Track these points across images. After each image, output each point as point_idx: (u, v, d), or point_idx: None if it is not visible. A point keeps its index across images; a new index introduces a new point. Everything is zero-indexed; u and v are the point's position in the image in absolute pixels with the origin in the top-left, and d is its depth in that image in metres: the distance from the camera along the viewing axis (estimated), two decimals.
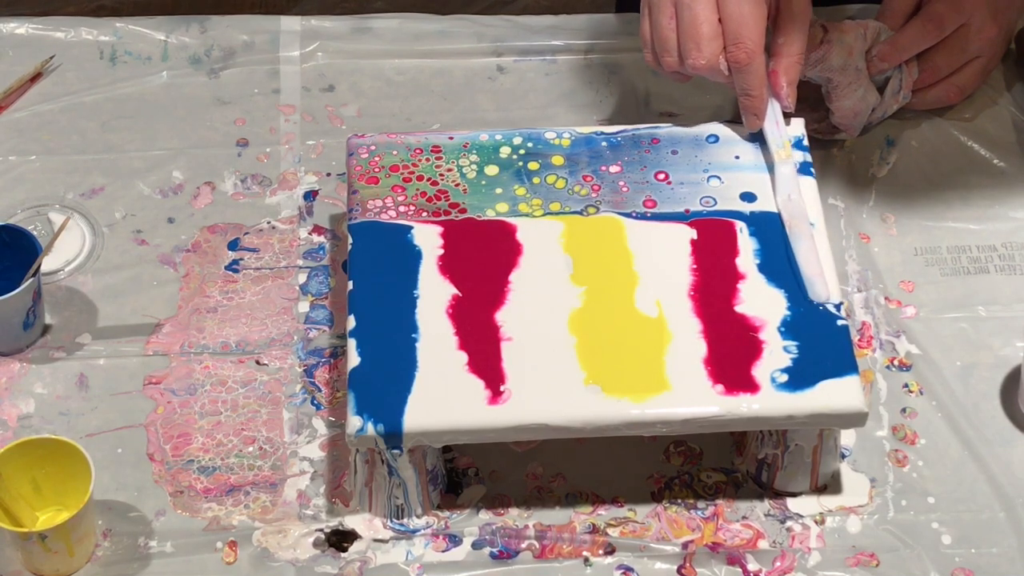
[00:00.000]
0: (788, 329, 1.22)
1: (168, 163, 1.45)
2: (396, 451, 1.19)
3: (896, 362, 1.32)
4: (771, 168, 1.31)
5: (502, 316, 1.23)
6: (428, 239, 1.27)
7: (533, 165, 1.33)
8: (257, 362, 1.32)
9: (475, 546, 1.23)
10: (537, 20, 1.55)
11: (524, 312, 1.23)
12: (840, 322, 1.22)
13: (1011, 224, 1.40)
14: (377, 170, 1.32)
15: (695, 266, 1.25)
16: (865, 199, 1.42)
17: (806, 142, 1.34)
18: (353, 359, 1.21)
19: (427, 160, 1.33)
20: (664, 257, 1.26)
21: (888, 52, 1.40)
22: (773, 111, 1.33)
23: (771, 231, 1.27)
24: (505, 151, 1.33)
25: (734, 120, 1.35)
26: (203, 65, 1.52)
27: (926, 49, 1.42)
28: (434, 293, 1.24)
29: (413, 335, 1.22)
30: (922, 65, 1.42)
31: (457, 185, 1.31)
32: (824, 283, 1.23)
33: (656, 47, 1.32)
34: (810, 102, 1.43)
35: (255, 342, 1.33)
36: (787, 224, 1.27)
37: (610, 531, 1.23)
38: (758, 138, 1.33)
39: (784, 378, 1.19)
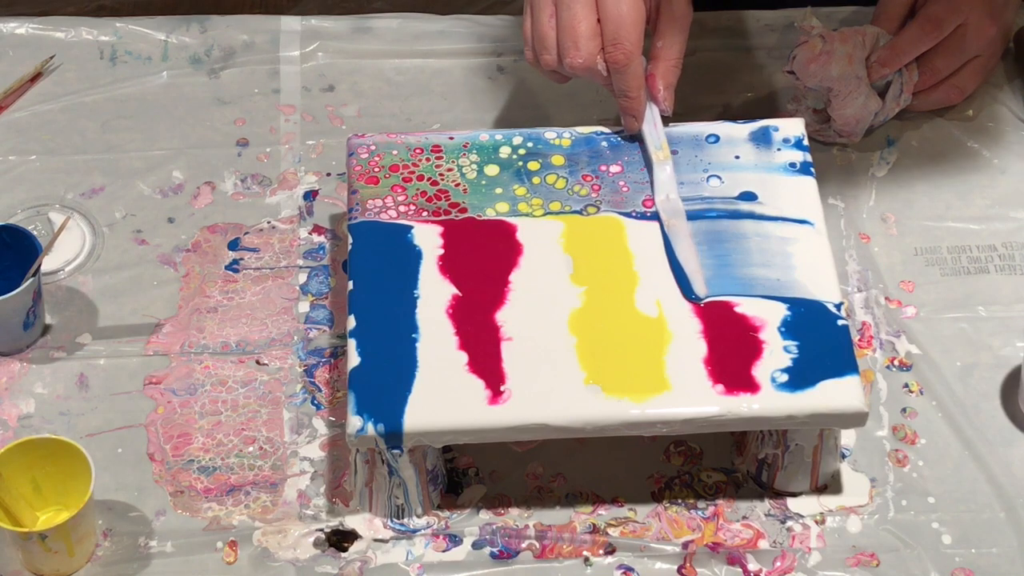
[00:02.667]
0: (788, 329, 1.22)
1: (168, 163, 1.45)
2: (396, 451, 1.19)
3: (896, 362, 1.32)
4: (649, 169, 1.31)
5: (502, 316, 1.23)
6: (428, 239, 1.27)
7: (533, 165, 1.33)
8: (257, 362, 1.32)
9: (475, 546, 1.23)
10: None
11: (524, 312, 1.23)
12: (840, 322, 1.22)
13: (1011, 224, 1.40)
14: (377, 170, 1.32)
15: None
16: (865, 199, 1.42)
17: (806, 142, 1.34)
18: (353, 359, 1.21)
19: (427, 160, 1.33)
20: (664, 257, 1.26)
21: (888, 57, 1.40)
22: (652, 113, 1.33)
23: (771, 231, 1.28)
24: (505, 151, 1.33)
25: (734, 120, 1.35)
26: (203, 65, 1.52)
27: (926, 51, 1.42)
28: (434, 293, 1.24)
29: (413, 335, 1.22)
30: (922, 67, 1.42)
31: (457, 185, 1.31)
32: (702, 281, 1.23)
33: (535, 45, 1.32)
34: (811, 105, 1.43)
35: (255, 342, 1.33)
36: (666, 223, 1.27)
37: (610, 531, 1.23)
38: (758, 138, 1.33)
39: (784, 378, 1.19)
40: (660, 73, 1.33)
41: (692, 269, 1.25)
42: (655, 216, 1.29)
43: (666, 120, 1.34)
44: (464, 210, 1.29)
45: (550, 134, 1.34)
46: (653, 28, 1.33)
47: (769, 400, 1.18)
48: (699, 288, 1.24)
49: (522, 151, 1.33)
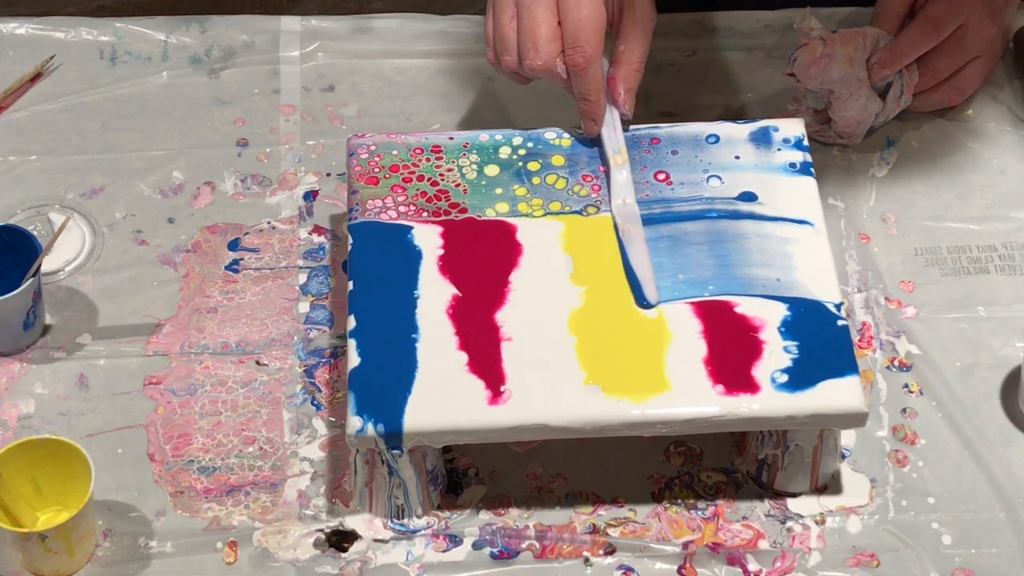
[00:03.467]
0: (788, 329, 1.22)
1: (168, 163, 1.45)
2: (396, 451, 1.19)
3: (896, 362, 1.32)
4: (607, 173, 1.31)
5: (502, 316, 1.23)
6: (428, 239, 1.27)
7: (533, 165, 1.33)
8: (257, 362, 1.32)
9: (475, 546, 1.23)
10: None
11: (524, 312, 1.23)
12: (840, 322, 1.22)
13: (1011, 224, 1.40)
14: (377, 170, 1.32)
15: None
16: (865, 199, 1.42)
17: (806, 142, 1.34)
18: (353, 359, 1.21)
19: (427, 160, 1.33)
20: (663, 257, 1.26)
21: (888, 58, 1.40)
22: (612, 117, 1.33)
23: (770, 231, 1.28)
24: (505, 151, 1.33)
25: (734, 120, 1.35)
26: (203, 65, 1.52)
27: (926, 52, 1.42)
28: (434, 293, 1.24)
29: (413, 335, 1.22)
30: (922, 68, 1.42)
31: (457, 185, 1.31)
32: (653, 287, 1.23)
33: (496, 46, 1.32)
34: (812, 106, 1.43)
35: (255, 342, 1.33)
36: (620, 228, 1.27)
37: (610, 531, 1.23)
38: (758, 138, 1.33)
39: (784, 378, 1.19)
40: (621, 77, 1.32)
41: (644, 275, 1.24)
42: (654, 217, 1.29)
43: (626, 124, 1.33)
44: (464, 210, 1.29)
45: (550, 134, 1.34)
46: (616, 31, 1.32)
47: (769, 400, 1.18)
48: (650, 294, 1.23)
49: (522, 151, 1.33)
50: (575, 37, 1.28)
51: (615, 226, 1.28)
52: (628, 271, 1.25)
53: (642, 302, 1.23)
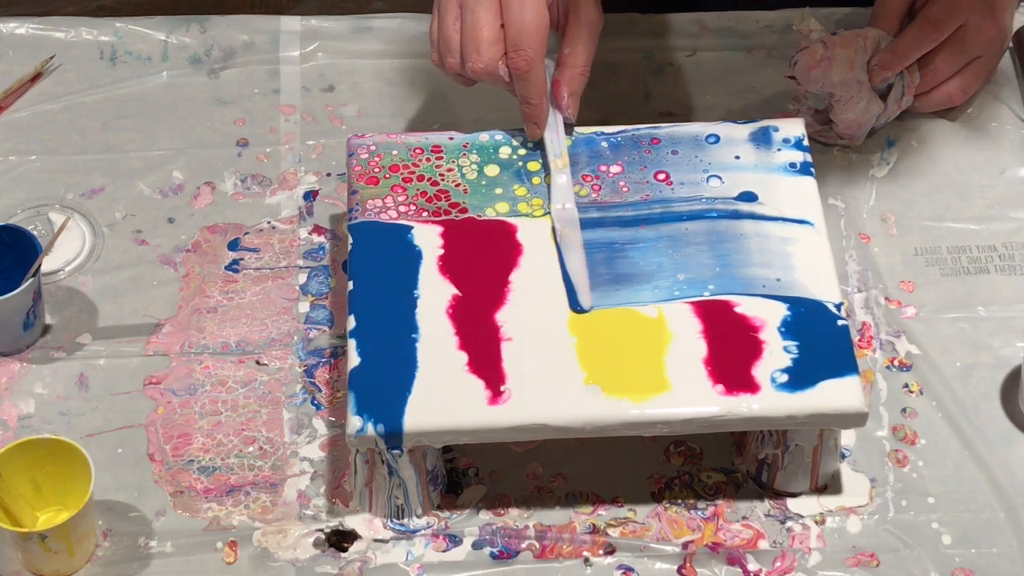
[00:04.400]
0: (788, 329, 1.22)
1: (168, 163, 1.45)
2: (396, 451, 1.19)
3: (896, 362, 1.32)
4: (549, 177, 1.30)
5: (502, 316, 1.23)
6: (428, 239, 1.27)
7: (533, 165, 1.33)
8: (257, 362, 1.32)
9: (475, 546, 1.23)
10: None
11: (524, 312, 1.23)
12: (840, 322, 1.22)
13: (1011, 224, 1.40)
14: (377, 170, 1.32)
15: None
16: (865, 199, 1.42)
17: (806, 142, 1.34)
18: (353, 359, 1.21)
19: (427, 160, 1.33)
20: (664, 257, 1.26)
21: (888, 60, 1.40)
22: (556, 120, 1.32)
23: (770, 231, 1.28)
24: (505, 151, 1.33)
25: (734, 120, 1.35)
26: (203, 65, 1.52)
27: (927, 52, 1.42)
28: (434, 293, 1.24)
29: (413, 335, 1.22)
30: (924, 69, 1.42)
31: (457, 185, 1.31)
32: (588, 292, 1.23)
33: (440, 47, 1.31)
34: (813, 106, 1.43)
35: (255, 342, 1.33)
36: (559, 233, 1.26)
37: (610, 531, 1.23)
38: (758, 138, 1.33)
39: (784, 378, 1.19)
40: (565, 80, 1.31)
41: (579, 280, 1.24)
42: (654, 217, 1.29)
43: (569, 128, 1.33)
44: (464, 210, 1.29)
45: None
46: (561, 34, 1.32)
47: (769, 400, 1.18)
48: (584, 300, 1.23)
49: (522, 151, 1.33)
50: (517, 40, 1.27)
51: (553, 230, 1.27)
52: (564, 276, 1.24)
53: (576, 307, 1.23)
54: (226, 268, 1.38)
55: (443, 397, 1.18)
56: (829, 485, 1.26)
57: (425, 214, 1.29)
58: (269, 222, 1.41)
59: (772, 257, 1.26)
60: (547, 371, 1.20)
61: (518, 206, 1.30)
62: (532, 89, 1.29)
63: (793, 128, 1.34)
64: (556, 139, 1.32)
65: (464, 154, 1.33)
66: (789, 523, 1.24)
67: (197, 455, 1.27)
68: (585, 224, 1.28)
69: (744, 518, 1.24)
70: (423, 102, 1.49)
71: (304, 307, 1.35)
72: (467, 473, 1.26)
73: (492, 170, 1.32)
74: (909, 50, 1.40)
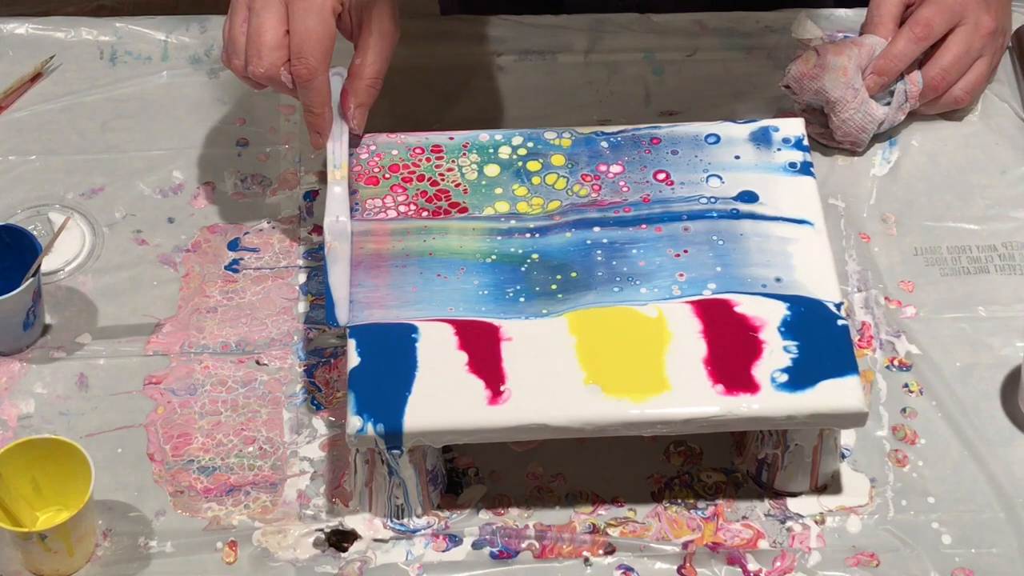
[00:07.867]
0: (788, 329, 1.22)
1: (168, 163, 1.45)
2: (396, 451, 1.19)
3: (896, 362, 1.32)
4: (326, 187, 1.29)
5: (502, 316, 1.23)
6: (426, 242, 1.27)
7: (533, 165, 1.33)
8: (257, 362, 1.32)
9: (475, 546, 1.23)
10: (537, 20, 1.55)
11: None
12: (840, 322, 1.22)
13: (1011, 224, 1.40)
14: (377, 170, 1.32)
15: None
16: (865, 199, 1.42)
17: (806, 142, 1.34)
18: (353, 359, 1.21)
19: (427, 160, 1.33)
20: (663, 256, 1.26)
21: (882, 66, 1.40)
22: (341, 130, 1.31)
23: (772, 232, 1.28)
24: (505, 151, 1.33)
25: (734, 120, 1.35)
26: (203, 65, 1.52)
27: (934, 56, 1.42)
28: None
29: (413, 335, 1.22)
30: (933, 72, 1.42)
31: (457, 185, 1.31)
32: (345, 309, 1.23)
33: (227, 49, 1.30)
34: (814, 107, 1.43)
35: (255, 342, 1.33)
36: (328, 245, 1.26)
37: (610, 531, 1.23)
38: (758, 138, 1.33)
39: (784, 378, 1.19)
40: (353, 91, 1.30)
41: (340, 296, 1.23)
42: (654, 216, 1.29)
43: (355, 139, 1.32)
44: (464, 210, 1.29)
45: (550, 134, 1.34)
46: (355, 44, 1.31)
47: (769, 400, 1.18)
48: (341, 316, 1.23)
49: (522, 151, 1.33)
50: (300, 48, 1.26)
51: (324, 242, 1.26)
52: (326, 289, 1.24)
53: (332, 322, 1.23)
54: (226, 268, 1.38)
55: (443, 397, 1.18)
56: (829, 485, 1.26)
57: (425, 214, 1.29)
58: (269, 222, 1.41)
59: (772, 257, 1.26)
60: (547, 371, 1.20)
61: (518, 206, 1.30)
62: (314, 97, 1.28)
63: (793, 128, 1.34)
64: (338, 149, 1.30)
65: (464, 154, 1.33)
66: (789, 523, 1.24)
67: (197, 455, 1.27)
68: (585, 224, 1.28)
69: (744, 518, 1.24)
70: (423, 102, 1.49)
71: (304, 307, 1.35)
72: (467, 473, 1.26)
73: (492, 170, 1.32)
74: (902, 55, 1.40)
